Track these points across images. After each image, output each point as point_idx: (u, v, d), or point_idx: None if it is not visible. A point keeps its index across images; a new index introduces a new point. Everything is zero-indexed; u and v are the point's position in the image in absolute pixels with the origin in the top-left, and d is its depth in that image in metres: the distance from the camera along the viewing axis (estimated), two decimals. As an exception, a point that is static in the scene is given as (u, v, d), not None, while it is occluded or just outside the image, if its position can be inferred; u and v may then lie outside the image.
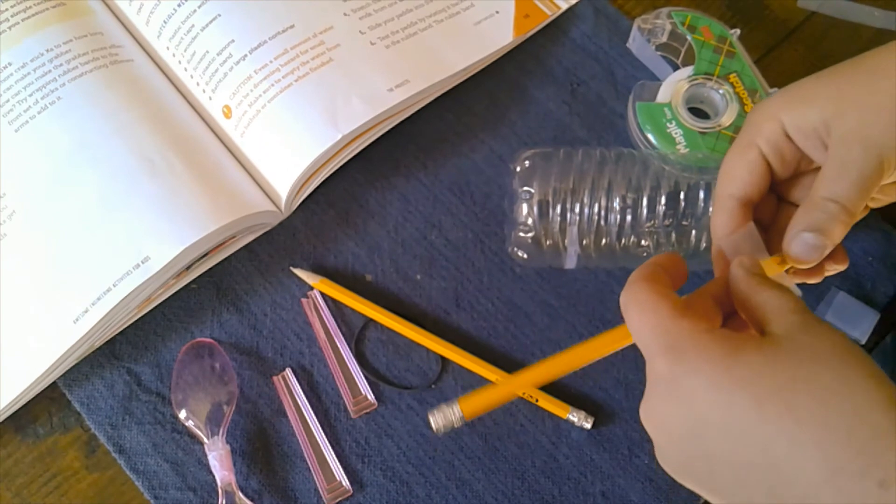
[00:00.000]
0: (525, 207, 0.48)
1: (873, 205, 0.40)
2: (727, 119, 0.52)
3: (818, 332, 0.28)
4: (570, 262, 0.49)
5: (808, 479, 0.26)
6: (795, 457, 0.26)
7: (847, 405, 0.26)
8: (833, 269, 0.38)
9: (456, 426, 0.36)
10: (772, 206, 0.40)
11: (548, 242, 0.48)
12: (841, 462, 0.25)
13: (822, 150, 0.36)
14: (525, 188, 0.48)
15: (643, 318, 0.30)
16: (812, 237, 0.34)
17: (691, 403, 0.28)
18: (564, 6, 0.59)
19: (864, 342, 0.48)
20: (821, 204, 0.34)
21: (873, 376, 0.27)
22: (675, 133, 0.52)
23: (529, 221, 0.48)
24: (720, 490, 0.29)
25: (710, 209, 0.45)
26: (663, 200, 0.47)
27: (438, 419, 0.36)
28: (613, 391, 0.49)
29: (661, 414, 0.29)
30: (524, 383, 0.39)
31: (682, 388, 0.28)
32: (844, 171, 0.34)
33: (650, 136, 0.52)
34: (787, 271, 0.36)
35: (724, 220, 0.37)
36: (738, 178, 0.37)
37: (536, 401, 0.48)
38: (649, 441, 0.47)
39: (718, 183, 0.39)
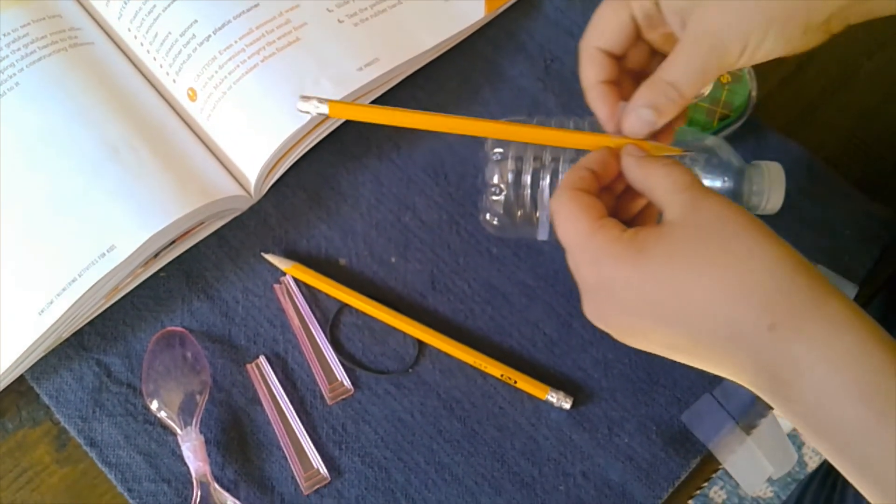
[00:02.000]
0: (496, 169, 0.47)
1: None
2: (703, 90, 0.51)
3: (706, 210, 0.33)
4: (543, 232, 0.48)
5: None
6: (697, 326, 0.32)
7: (740, 269, 0.31)
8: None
9: (315, 113, 0.38)
10: (645, 56, 0.41)
11: (519, 213, 0.47)
12: (740, 321, 0.31)
13: (681, 30, 0.37)
14: (497, 149, 0.47)
15: (567, 234, 0.35)
16: (649, 114, 0.36)
17: (616, 299, 0.34)
18: (537, -20, 0.58)
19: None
20: (662, 87, 0.36)
21: (759, 243, 0.32)
22: (651, 107, 0.51)
23: (496, 180, 0.47)
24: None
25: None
26: None
27: (305, 105, 0.37)
28: (592, 371, 0.48)
29: (599, 311, 0.35)
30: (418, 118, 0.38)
31: (606, 291, 0.34)
32: (689, 63, 0.36)
33: (625, 112, 0.51)
34: None
35: (593, 71, 0.39)
36: (606, 32, 0.39)
37: (515, 382, 0.47)
38: (628, 420, 0.47)
39: (586, 33, 0.40)
